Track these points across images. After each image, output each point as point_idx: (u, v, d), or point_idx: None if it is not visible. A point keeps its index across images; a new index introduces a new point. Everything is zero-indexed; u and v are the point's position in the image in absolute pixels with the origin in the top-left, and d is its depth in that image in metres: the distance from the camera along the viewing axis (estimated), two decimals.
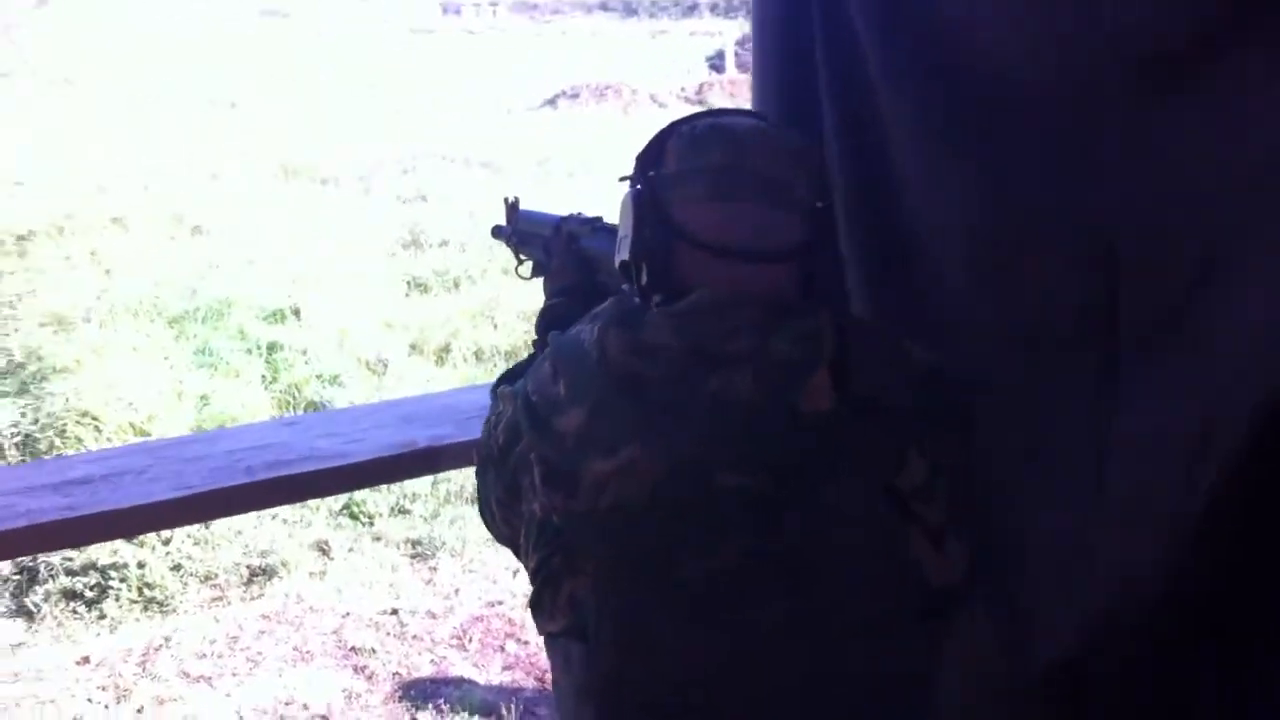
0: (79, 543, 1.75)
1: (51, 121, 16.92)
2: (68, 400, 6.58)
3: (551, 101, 19.55)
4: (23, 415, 6.65)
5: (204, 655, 3.94)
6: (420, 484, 5.19)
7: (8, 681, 3.90)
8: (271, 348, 7.05)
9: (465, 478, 5.33)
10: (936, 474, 1.35)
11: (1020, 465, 1.77)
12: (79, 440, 6.09)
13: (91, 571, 4.98)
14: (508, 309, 7.66)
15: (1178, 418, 1.56)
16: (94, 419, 6.27)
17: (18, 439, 6.35)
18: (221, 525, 5.17)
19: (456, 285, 8.79)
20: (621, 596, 1.31)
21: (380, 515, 5.19)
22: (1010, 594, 1.79)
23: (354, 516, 5.28)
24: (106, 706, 3.64)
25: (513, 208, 1.98)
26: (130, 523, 1.74)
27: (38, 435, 6.35)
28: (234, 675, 3.80)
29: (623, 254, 1.43)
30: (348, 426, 2.08)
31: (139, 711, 3.60)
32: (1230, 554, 1.56)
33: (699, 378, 1.31)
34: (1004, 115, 1.72)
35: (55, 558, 5.07)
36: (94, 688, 3.76)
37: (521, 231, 2.00)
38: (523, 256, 2.02)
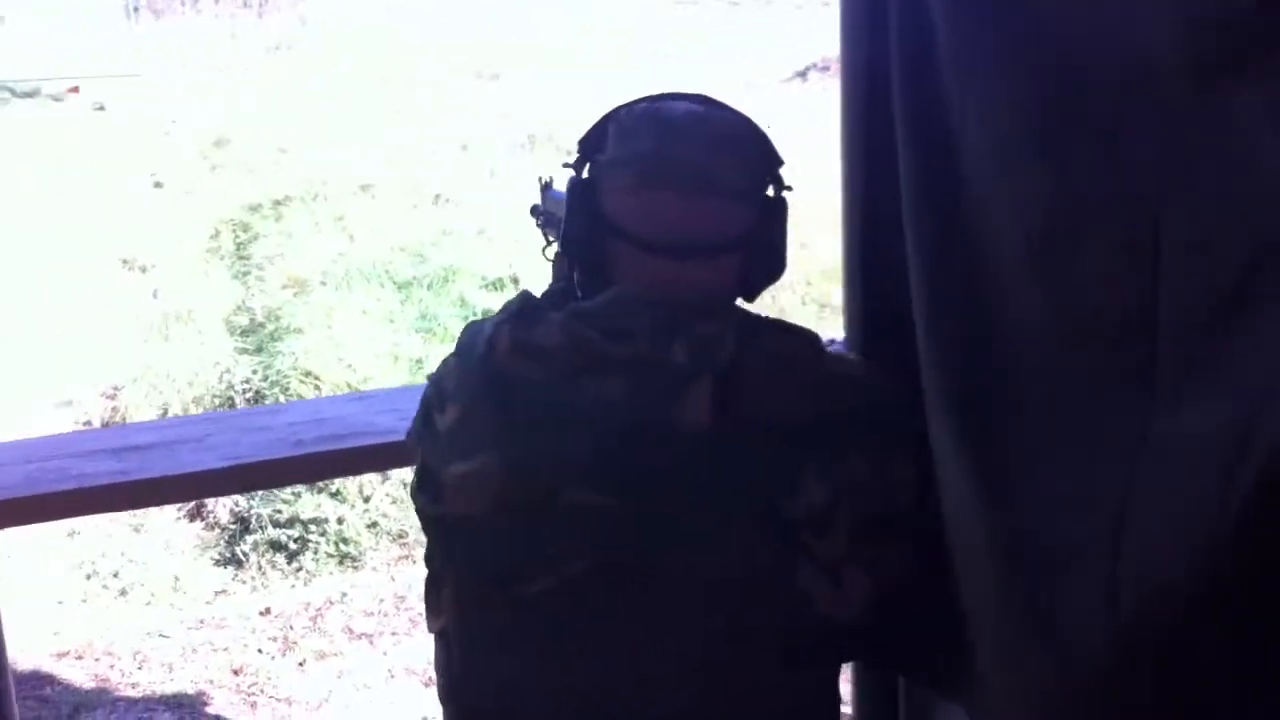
0: (120, 507, 1.83)
1: (323, 91, 17.84)
2: (295, 359, 6.95)
3: (802, 74, 19.32)
4: (254, 372, 7.06)
5: (371, 614, 4.08)
6: None
7: (193, 627, 4.15)
8: (486, 315, 7.23)
9: None
10: (839, 501, 1.23)
11: (1054, 467, 1.66)
12: (299, 397, 6.42)
13: (296, 524, 5.24)
14: None
15: (1216, 419, 1.43)
16: (315, 378, 6.60)
17: (249, 394, 6.74)
18: None
19: None
20: (473, 607, 1.26)
21: None
22: (1030, 595, 1.68)
23: None
24: (272, 657, 3.82)
25: (545, 187, 1.94)
26: (173, 490, 1.81)
27: (265, 391, 6.73)
28: (393, 635, 3.93)
29: (557, 245, 1.39)
30: (410, 403, 2.06)
31: (300, 665, 3.76)
32: (1270, 560, 1.41)
33: (577, 383, 1.24)
34: (1064, 104, 1.60)
35: (265, 509, 5.35)
36: (266, 639, 3.95)
37: (548, 212, 1.96)
38: (550, 238, 1.98)
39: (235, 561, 5.12)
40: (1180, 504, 1.49)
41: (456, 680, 1.29)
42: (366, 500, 5.36)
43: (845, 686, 3.48)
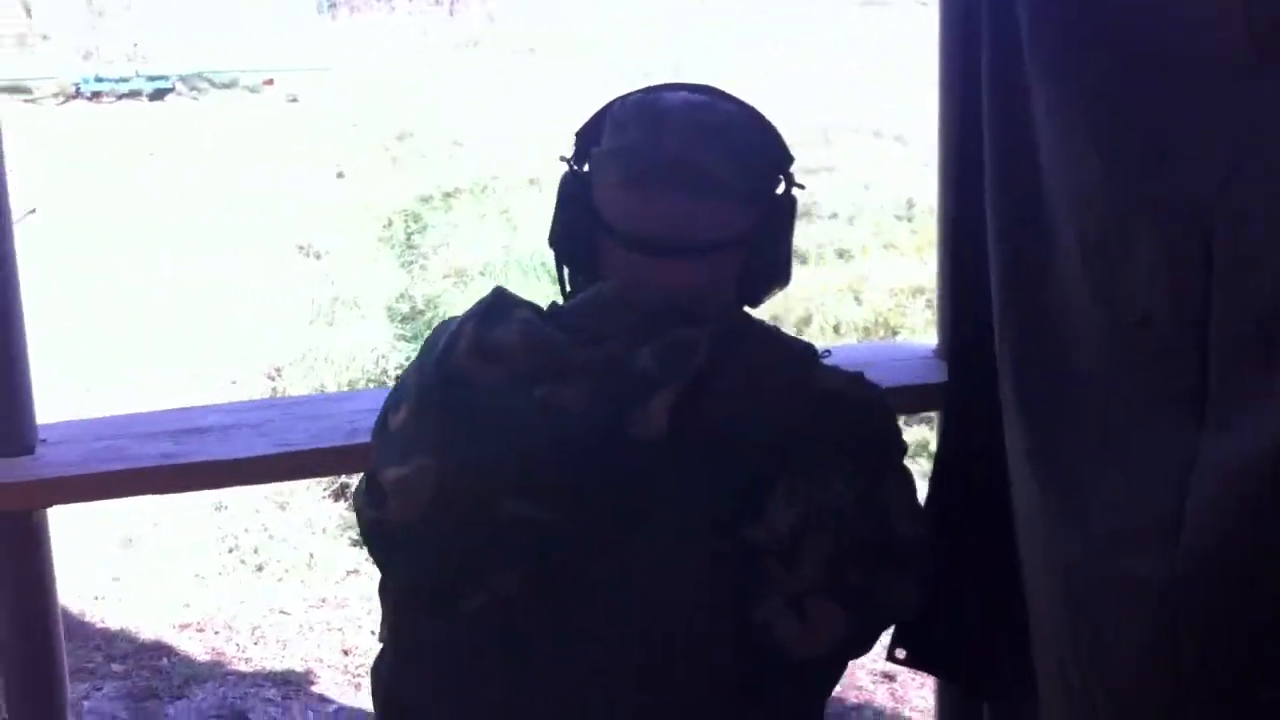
0: (165, 490, 1.86)
1: (504, 86, 18.17)
2: None
3: None
4: (407, 358, 7.22)
5: None
6: None
7: (314, 606, 4.25)
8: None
9: None
10: (811, 528, 1.11)
11: (1106, 486, 1.59)
12: None
13: None
14: (876, 285, 7.49)
15: (1266, 443, 1.33)
16: None
17: None
18: None
19: (840, 256, 8.70)
20: (409, 618, 1.20)
21: None
22: (1074, 630, 1.61)
23: None
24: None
25: None
26: (217, 476, 1.83)
27: None
28: None
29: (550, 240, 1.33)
30: None
31: None
32: None
33: (530, 389, 1.16)
34: (1115, 87, 1.53)
35: None
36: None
37: None
38: None
39: None
40: (1231, 537, 1.41)
41: (386, 691, 1.23)
42: None
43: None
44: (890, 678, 3.39)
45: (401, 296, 8.45)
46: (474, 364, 1.20)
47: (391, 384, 6.33)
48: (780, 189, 1.30)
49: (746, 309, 1.32)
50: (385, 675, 1.24)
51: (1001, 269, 1.78)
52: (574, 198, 1.27)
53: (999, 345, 1.80)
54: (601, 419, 1.14)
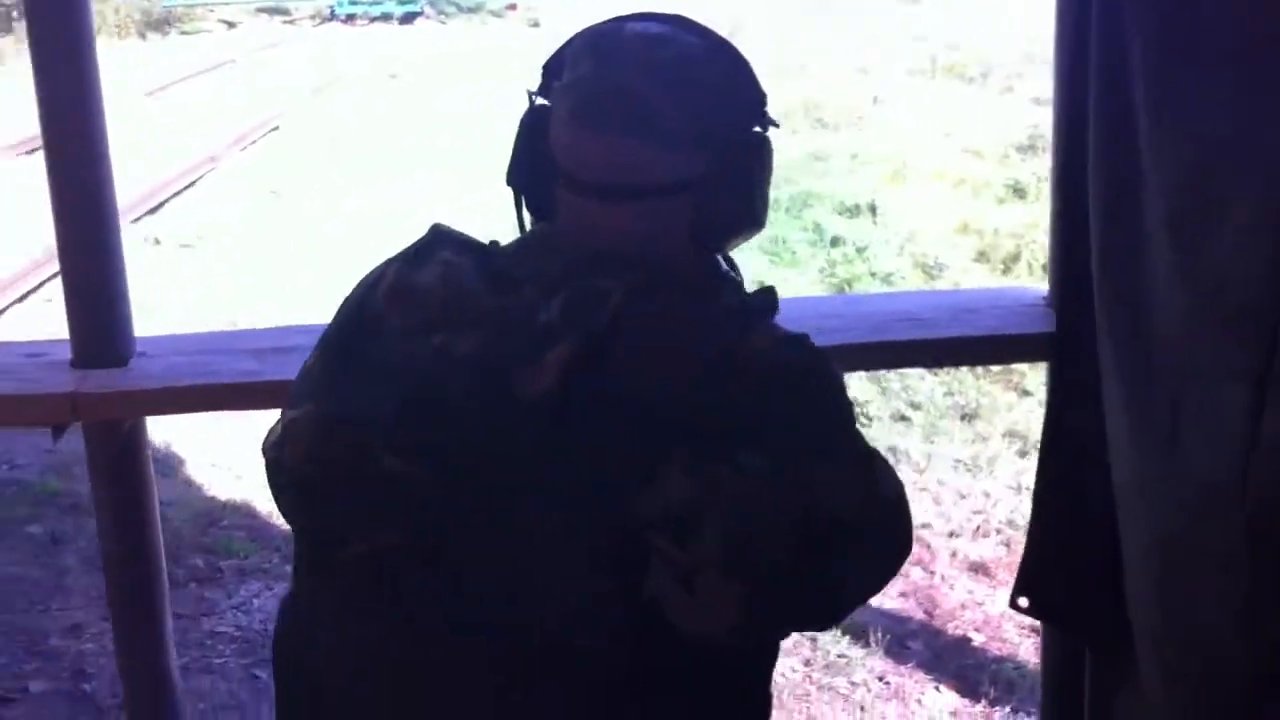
0: (243, 406, 1.92)
1: (746, 10, 17.98)
2: None
3: None
4: None
5: None
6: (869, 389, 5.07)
7: None
8: (834, 242, 7.13)
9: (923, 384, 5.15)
10: (708, 501, 1.02)
11: (1175, 454, 1.58)
12: None
13: None
14: None
15: None
16: None
17: None
18: None
19: None
20: (302, 565, 1.17)
21: (880, 418, 5.14)
22: (1144, 605, 1.55)
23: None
24: None
25: None
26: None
27: None
28: None
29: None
30: None
31: None
32: None
33: (429, 336, 1.10)
34: (1223, 81, 1.51)
35: None
36: None
37: None
38: None
39: None
40: None
41: (276, 636, 1.21)
42: None
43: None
44: (1037, 631, 3.28)
45: None
46: (391, 306, 1.14)
47: None
48: (747, 129, 1.20)
49: (721, 261, 1.24)
50: (277, 621, 1.23)
51: (1101, 235, 1.75)
52: (531, 134, 1.19)
53: (1097, 307, 1.77)
54: (488, 372, 1.07)
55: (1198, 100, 1.54)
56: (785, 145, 9.61)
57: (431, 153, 11.48)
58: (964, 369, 5.21)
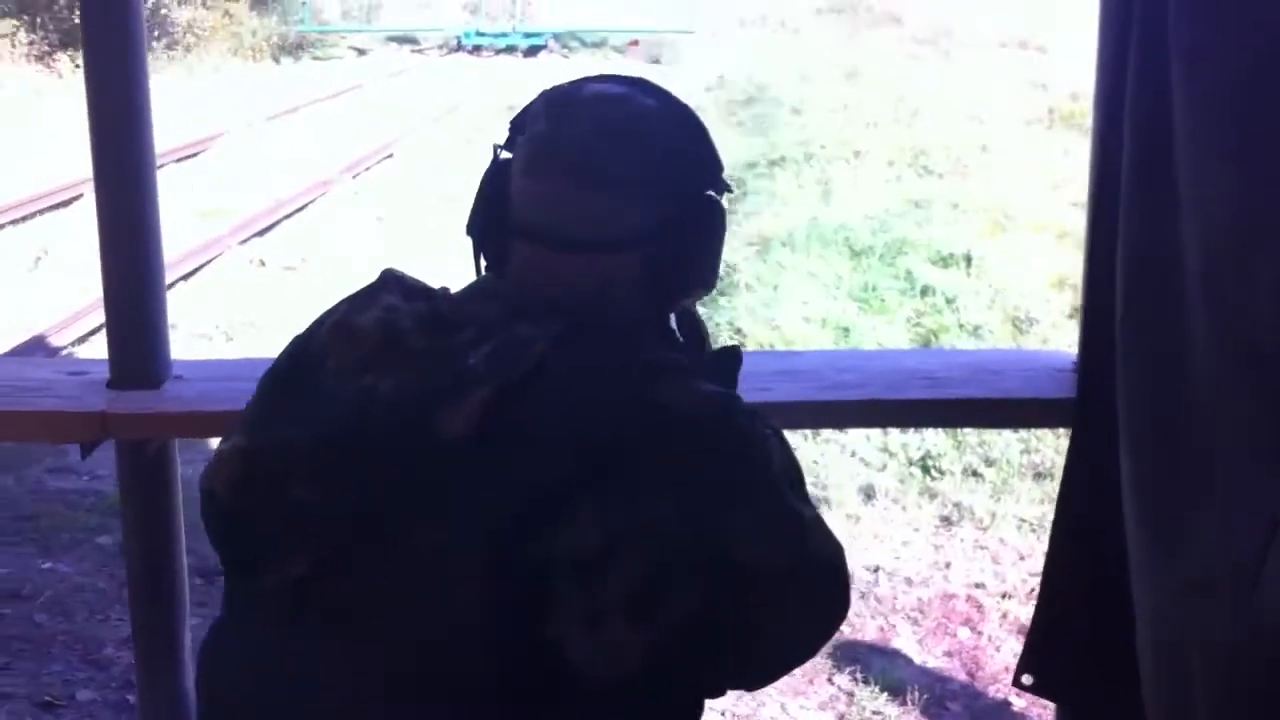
0: None
1: (863, 54, 17.94)
2: (733, 312, 7.16)
3: None
4: None
5: None
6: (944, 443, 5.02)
7: None
8: (924, 291, 7.07)
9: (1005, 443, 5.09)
10: (616, 546, 1.04)
11: (1187, 527, 1.57)
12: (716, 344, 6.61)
13: None
14: None
15: None
16: (740, 333, 6.76)
17: None
18: (812, 450, 5.37)
19: None
20: (228, 588, 1.20)
21: (952, 473, 5.09)
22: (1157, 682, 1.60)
23: (926, 470, 5.23)
24: None
25: None
26: None
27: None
28: None
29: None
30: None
31: None
32: None
33: (359, 376, 1.13)
34: (1263, 117, 1.49)
35: None
36: None
37: None
38: None
39: None
40: None
41: (198, 660, 1.24)
42: None
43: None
44: None
45: None
46: (332, 345, 1.18)
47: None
48: (700, 192, 1.23)
49: (676, 317, 1.28)
50: (204, 639, 1.25)
51: (1125, 280, 1.71)
52: (492, 186, 1.24)
53: (1118, 361, 1.74)
54: (411, 412, 1.10)
55: (1236, 159, 1.51)
56: (885, 192, 9.58)
57: None
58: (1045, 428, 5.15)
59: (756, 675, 1.22)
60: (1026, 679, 1.93)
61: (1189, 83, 1.59)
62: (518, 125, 1.25)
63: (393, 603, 1.08)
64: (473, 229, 1.26)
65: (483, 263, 1.27)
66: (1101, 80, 1.89)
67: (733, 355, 1.34)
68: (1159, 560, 1.65)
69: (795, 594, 1.13)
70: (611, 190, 1.18)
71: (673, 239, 1.20)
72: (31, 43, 19.47)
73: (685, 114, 1.26)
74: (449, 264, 7.99)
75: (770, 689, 3.47)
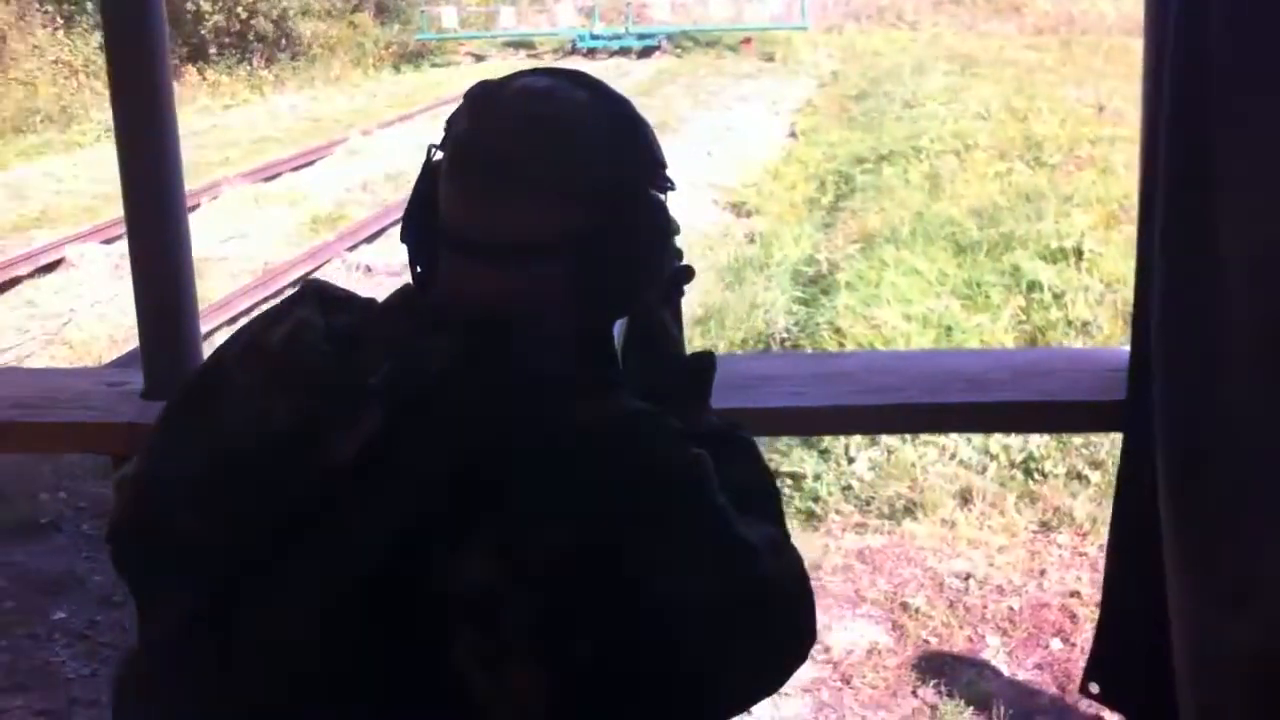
0: None
1: (982, 44, 17.62)
2: (833, 311, 7.04)
3: None
4: (796, 321, 7.24)
5: None
6: (1048, 445, 4.84)
7: None
8: (1031, 287, 6.87)
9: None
10: (514, 584, 0.95)
11: (1227, 538, 1.55)
12: (820, 348, 6.51)
13: (780, 475, 5.35)
14: None
15: None
16: (838, 331, 6.64)
17: (788, 341, 6.94)
18: (910, 453, 5.26)
19: None
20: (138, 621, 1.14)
21: (1055, 476, 4.93)
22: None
23: (1028, 473, 5.07)
24: None
25: None
26: None
27: (800, 338, 6.89)
28: None
29: None
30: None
31: None
32: None
33: (257, 399, 1.05)
34: None
35: (764, 455, 5.50)
36: None
37: None
38: None
39: None
40: None
41: (112, 689, 1.16)
42: (850, 461, 5.34)
43: None
44: None
45: (810, 259, 8.44)
46: (241, 363, 1.11)
47: (775, 346, 6.36)
48: (635, 191, 1.13)
49: (618, 330, 1.20)
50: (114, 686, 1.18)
51: (1164, 279, 1.66)
52: (421, 189, 1.14)
53: (1153, 366, 1.68)
54: (302, 437, 1.02)
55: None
56: (994, 186, 9.36)
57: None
58: None
59: (702, 712, 1.09)
60: (1093, 687, 1.89)
61: (1227, 97, 1.54)
62: (449, 123, 1.16)
63: (278, 639, 1.01)
64: (405, 235, 1.18)
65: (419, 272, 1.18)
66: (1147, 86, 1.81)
67: (698, 369, 1.26)
68: (1194, 568, 1.61)
69: (737, 629, 1.03)
70: (531, 191, 1.09)
71: (605, 243, 1.10)
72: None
73: (619, 109, 1.15)
74: None
75: (850, 700, 3.39)
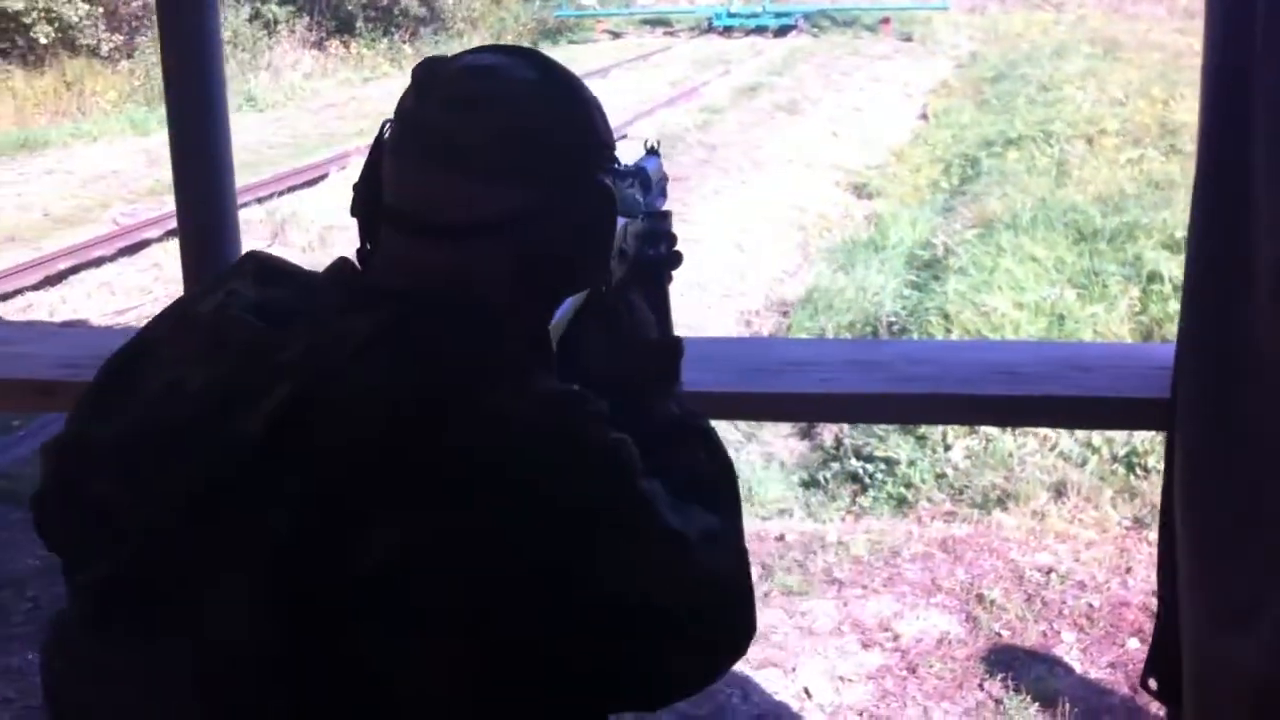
0: None
1: (1128, 29, 17.10)
2: (943, 297, 6.92)
3: None
4: (904, 306, 7.13)
5: (861, 562, 4.03)
6: (1153, 439, 4.68)
7: None
8: (1151, 278, 6.66)
9: None
10: (418, 564, 0.95)
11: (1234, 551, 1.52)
12: (926, 334, 6.41)
13: (874, 460, 5.30)
14: None
15: None
16: (946, 317, 6.54)
17: (895, 326, 6.85)
18: (1008, 442, 5.17)
19: None
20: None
21: (1159, 471, 4.79)
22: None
23: (1130, 467, 4.94)
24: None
25: (650, 153, 1.71)
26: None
27: (908, 324, 6.79)
28: (862, 588, 3.84)
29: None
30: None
31: (764, 596, 3.82)
32: None
33: (179, 367, 1.05)
34: None
35: (858, 440, 5.46)
36: (755, 563, 4.06)
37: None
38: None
39: (815, 485, 5.30)
40: None
41: (41, 655, 1.15)
42: (947, 449, 5.26)
43: None
44: None
45: (926, 244, 8.32)
46: (169, 332, 1.11)
47: (883, 331, 6.32)
48: (580, 173, 1.12)
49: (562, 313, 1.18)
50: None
51: (1194, 278, 1.63)
52: (369, 165, 1.14)
53: (1176, 372, 1.65)
54: (211, 411, 1.01)
55: None
56: (1124, 173, 9.09)
57: (788, 159, 11.58)
58: None
59: (628, 699, 1.09)
60: (1152, 682, 1.86)
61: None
62: (399, 100, 1.14)
63: (177, 616, 1.00)
64: (353, 210, 1.17)
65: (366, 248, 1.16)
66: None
67: (661, 353, 1.25)
68: (1204, 585, 1.59)
69: (653, 616, 1.02)
70: (465, 171, 1.07)
71: (540, 225, 1.09)
72: (309, 27, 20.63)
73: (568, 89, 1.13)
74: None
75: (914, 690, 3.35)
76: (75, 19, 15.60)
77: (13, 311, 7.33)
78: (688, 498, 1.09)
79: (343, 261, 1.13)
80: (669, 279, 1.40)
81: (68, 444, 1.09)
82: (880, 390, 1.86)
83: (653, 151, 1.63)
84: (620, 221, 1.25)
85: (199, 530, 1.00)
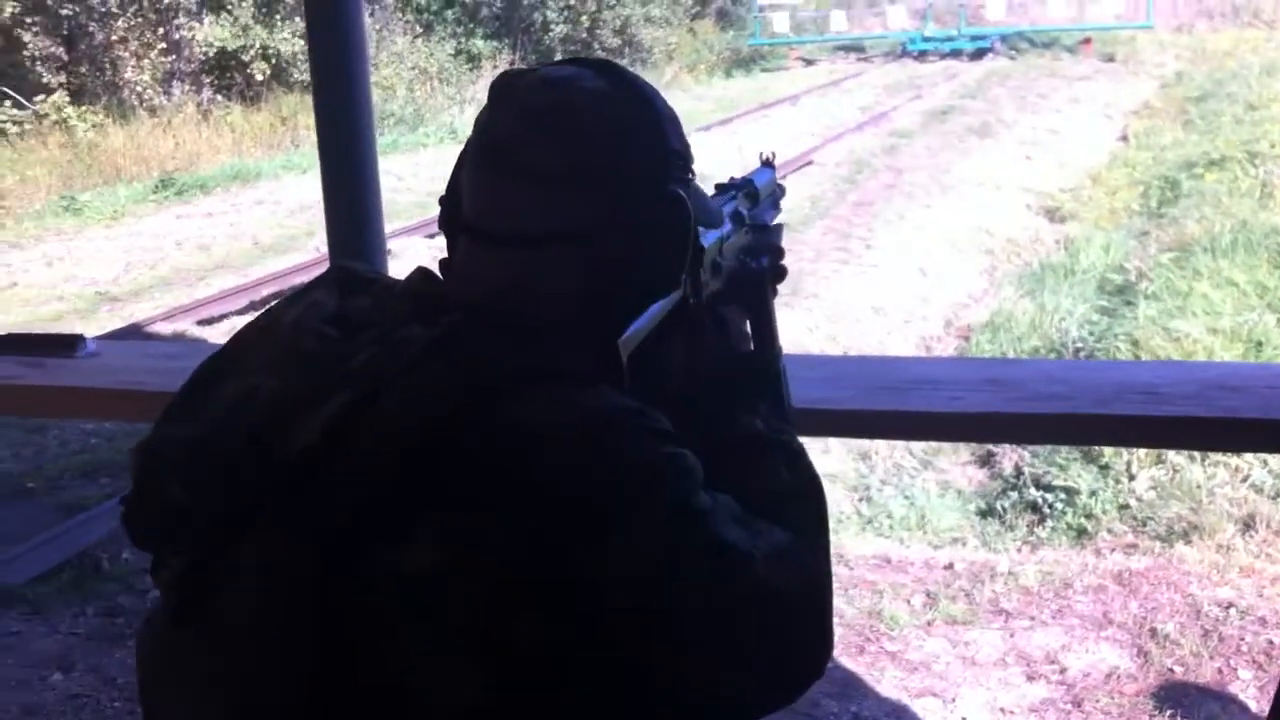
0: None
1: None
2: (1133, 322, 6.70)
3: None
4: (1091, 332, 6.91)
5: (1027, 592, 3.91)
6: None
7: (878, 563, 4.30)
8: None
9: None
10: (452, 571, 0.95)
11: None
12: (1110, 356, 6.21)
13: (1054, 490, 5.16)
14: None
15: None
16: (1135, 343, 6.32)
17: (1081, 352, 6.64)
18: (1196, 472, 4.96)
19: None
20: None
21: None
22: None
23: None
24: (912, 610, 3.85)
25: (765, 164, 1.67)
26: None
27: (1095, 349, 6.58)
28: (1029, 619, 3.73)
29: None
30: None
31: (928, 624, 3.75)
32: None
33: (258, 374, 1.07)
34: None
35: (1039, 468, 5.32)
36: (921, 591, 3.99)
37: None
38: None
39: (993, 513, 5.17)
40: None
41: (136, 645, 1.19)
42: (1131, 479, 5.08)
43: None
44: None
45: (1119, 268, 8.06)
46: (257, 342, 1.13)
47: (1068, 356, 6.12)
48: (653, 185, 1.11)
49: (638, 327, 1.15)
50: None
51: None
52: (453, 176, 1.17)
53: None
54: (277, 418, 1.03)
55: None
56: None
57: (976, 181, 11.37)
58: None
59: (655, 713, 1.06)
60: None
61: None
62: (479, 114, 1.17)
63: (234, 620, 1.04)
64: (441, 223, 1.19)
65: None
66: None
67: (748, 369, 1.26)
68: None
69: (702, 631, 1.01)
70: (532, 181, 1.08)
71: (614, 237, 1.09)
72: (511, 62, 21.16)
73: (639, 99, 1.13)
74: (842, 275, 7.94)
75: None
76: (289, 54, 16.32)
77: (218, 335, 7.71)
78: (761, 513, 1.08)
79: (420, 271, 1.15)
80: (774, 293, 1.40)
81: (151, 447, 1.11)
82: (1006, 410, 1.82)
83: (767, 164, 1.63)
84: (714, 233, 1.27)
85: (251, 538, 1.02)
